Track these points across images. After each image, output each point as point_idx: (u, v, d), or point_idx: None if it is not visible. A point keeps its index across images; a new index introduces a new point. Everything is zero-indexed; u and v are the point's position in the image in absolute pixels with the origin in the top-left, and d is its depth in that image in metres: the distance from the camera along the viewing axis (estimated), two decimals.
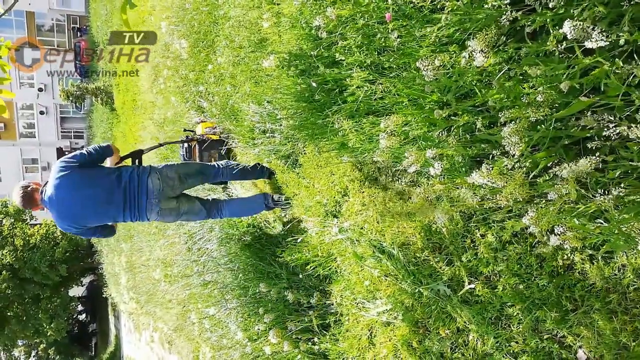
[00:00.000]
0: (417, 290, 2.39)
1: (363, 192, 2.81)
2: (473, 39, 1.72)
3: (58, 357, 25.66)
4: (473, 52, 1.72)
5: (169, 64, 6.45)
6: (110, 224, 3.39)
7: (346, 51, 2.42)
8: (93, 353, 29.76)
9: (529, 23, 1.62)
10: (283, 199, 3.62)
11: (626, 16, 1.37)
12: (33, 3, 25.51)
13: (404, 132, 2.11)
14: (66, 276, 19.42)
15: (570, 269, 1.80)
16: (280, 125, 3.31)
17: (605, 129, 1.47)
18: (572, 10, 1.48)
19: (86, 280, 25.62)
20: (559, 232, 1.65)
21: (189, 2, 5.70)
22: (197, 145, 4.25)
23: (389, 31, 2.13)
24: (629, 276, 1.61)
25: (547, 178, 1.67)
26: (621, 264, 1.64)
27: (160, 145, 4.08)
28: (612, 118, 1.47)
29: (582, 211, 1.57)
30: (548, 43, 1.55)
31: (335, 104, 2.57)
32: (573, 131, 1.58)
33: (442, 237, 2.30)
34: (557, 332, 1.85)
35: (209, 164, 3.74)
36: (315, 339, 3.14)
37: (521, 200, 1.75)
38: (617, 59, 1.39)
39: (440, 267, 2.30)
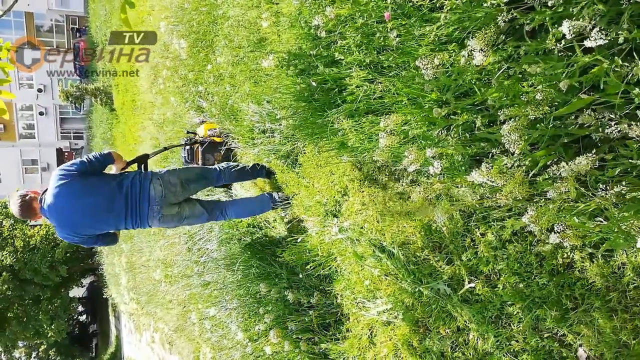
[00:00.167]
0: (417, 289, 2.39)
1: (363, 191, 2.80)
2: (472, 37, 1.72)
3: (59, 358, 25.66)
4: (472, 51, 1.72)
5: (168, 64, 6.45)
6: (112, 231, 3.32)
7: (345, 50, 2.42)
8: (94, 354, 29.77)
9: (528, 21, 1.62)
10: (284, 197, 3.61)
11: (625, 14, 1.37)
12: (32, 3, 25.50)
13: (404, 131, 2.11)
14: (66, 277, 19.41)
15: (570, 267, 1.80)
16: (280, 124, 3.31)
17: (607, 127, 1.47)
18: (571, 9, 1.48)
19: (86, 281, 25.63)
20: (559, 231, 1.65)
21: (188, 2, 5.70)
22: (199, 148, 4.21)
23: (388, 30, 2.13)
24: (629, 274, 1.61)
25: (547, 176, 1.66)
26: (621, 262, 1.64)
27: (165, 149, 4.03)
28: (613, 116, 1.47)
29: (581, 209, 1.57)
30: (547, 41, 1.55)
31: (335, 104, 2.56)
32: (572, 129, 1.58)
33: (442, 236, 2.30)
34: (558, 330, 1.85)
35: (210, 167, 3.69)
36: (316, 339, 3.14)
37: (521, 198, 1.75)
38: (616, 57, 1.39)
39: (441, 266, 2.30)
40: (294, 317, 3.29)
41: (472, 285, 2.13)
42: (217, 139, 4.22)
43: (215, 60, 4.60)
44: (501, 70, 1.71)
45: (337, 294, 3.04)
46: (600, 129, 1.51)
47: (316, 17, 2.46)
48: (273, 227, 3.83)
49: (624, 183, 1.46)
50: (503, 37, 1.71)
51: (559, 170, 1.59)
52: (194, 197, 3.52)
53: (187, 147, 4.24)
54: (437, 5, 1.96)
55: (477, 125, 1.83)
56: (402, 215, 2.51)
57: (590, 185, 1.57)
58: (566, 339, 1.82)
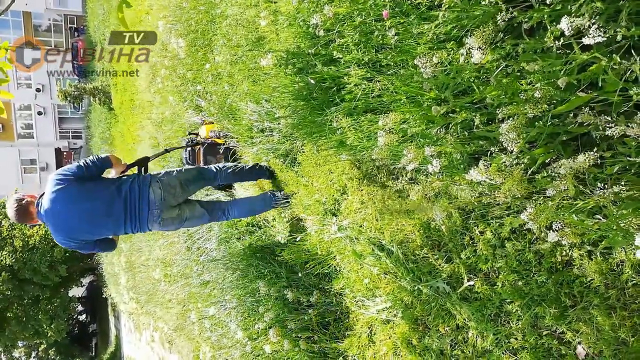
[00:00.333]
0: (416, 287, 2.40)
1: (362, 190, 2.80)
2: (470, 35, 1.72)
3: (58, 357, 25.64)
4: (470, 49, 1.72)
5: (167, 63, 6.44)
6: (110, 237, 3.27)
7: (344, 49, 2.42)
8: (93, 353, 29.78)
9: (526, 19, 1.62)
10: (285, 196, 3.60)
11: (624, 11, 1.37)
12: (30, 3, 25.45)
13: (402, 129, 2.11)
14: (66, 277, 19.40)
15: (569, 265, 1.81)
16: (279, 123, 3.31)
17: (607, 129, 1.47)
18: (569, 6, 1.48)
19: (86, 280, 25.62)
20: (558, 229, 1.66)
21: (186, 1, 5.69)
22: (201, 149, 4.15)
23: (387, 29, 2.13)
24: (628, 272, 1.61)
25: (546, 174, 1.67)
26: (620, 259, 1.64)
27: (167, 151, 3.99)
28: (610, 118, 1.47)
29: (580, 207, 1.57)
30: (545, 39, 1.55)
31: (333, 102, 2.56)
32: (571, 127, 1.58)
33: (441, 235, 2.30)
34: (556, 328, 1.85)
35: (207, 167, 3.65)
36: (315, 338, 3.14)
37: (519, 196, 1.75)
38: (614, 55, 1.39)
39: (440, 265, 2.30)
40: (293, 316, 3.30)
41: (471, 283, 2.13)
42: (219, 140, 4.19)
43: (214, 59, 4.60)
44: (499, 69, 1.71)
45: (337, 293, 3.04)
46: (599, 128, 1.51)
47: (314, 15, 2.46)
48: (272, 226, 3.83)
49: (623, 183, 1.46)
50: (501, 35, 1.71)
51: (557, 168, 1.59)
52: (193, 198, 3.47)
53: (189, 148, 4.19)
54: (436, 3, 1.96)
55: (475, 124, 1.83)
56: (401, 213, 2.51)
57: (588, 183, 1.57)
58: (565, 337, 1.82)
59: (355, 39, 2.33)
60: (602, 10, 1.40)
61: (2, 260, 16.75)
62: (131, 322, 12.38)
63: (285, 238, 3.58)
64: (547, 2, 1.54)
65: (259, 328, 3.67)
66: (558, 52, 1.54)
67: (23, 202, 2.92)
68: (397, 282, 2.52)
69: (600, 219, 1.56)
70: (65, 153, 28.61)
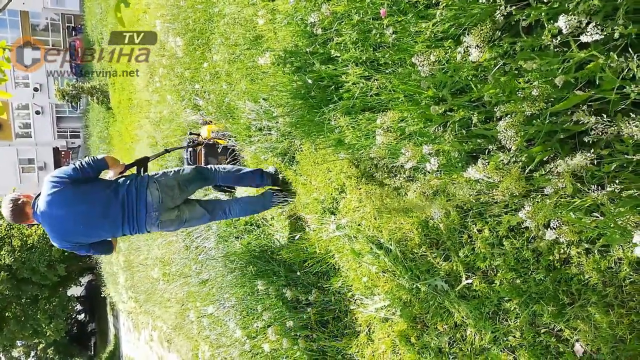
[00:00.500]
0: (414, 286, 2.40)
1: (360, 188, 2.81)
2: (468, 34, 1.72)
3: (57, 357, 25.63)
4: (468, 47, 1.72)
5: (165, 62, 6.43)
6: (109, 240, 3.24)
7: (342, 48, 2.42)
8: (92, 352, 29.78)
9: (523, 17, 1.62)
10: (283, 195, 3.59)
11: (621, 9, 1.37)
12: (27, 2, 25.40)
13: (400, 128, 2.11)
14: (65, 276, 19.39)
15: (567, 263, 1.81)
16: (277, 122, 3.31)
17: (604, 129, 1.47)
18: (567, 4, 1.48)
19: (85, 279, 25.61)
20: (555, 226, 1.66)
21: (184, 0, 5.68)
22: (202, 150, 4.10)
23: (384, 27, 2.13)
24: (625, 269, 1.62)
25: (543, 172, 1.67)
26: (617, 257, 1.65)
27: (167, 151, 3.94)
28: (608, 120, 1.47)
29: (578, 205, 1.57)
30: (543, 37, 1.55)
31: (331, 101, 2.56)
32: (568, 125, 1.58)
33: (439, 233, 2.30)
34: (554, 325, 1.86)
35: (207, 166, 3.58)
36: (314, 336, 3.15)
37: (517, 194, 1.76)
38: (611, 53, 1.39)
39: (438, 263, 2.31)
40: (292, 315, 3.30)
41: (469, 281, 2.14)
42: (221, 141, 4.16)
43: (212, 58, 4.59)
44: (497, 67, 1.71)
45: (335, 291, 3.04)
46: (596, 126, 1.51)
47: (312, 14, 2.46)
48: (271, 224, 3.83)
49: (617, 180, 1.47)
50: (499, 34, 1.71)
51: (555, 166, 1.59)
52: (193, 197, 3.43)
53: (190, 149, 4.16)
54: (433, 1, 1.96)
55: (473, 122, 1.84)
56: (399, 212, 2.51)
57: (586, 181, 1.57)
58: (563, 334, 1.83)
59: (353, 38, 2.33)
60: (600, 8, 1.41)
61: (0, 260, 16.73)
62: (130, 321, 12.38)
63: (283, 237, 3.58)
64: (545, 0, 1.54)
65: (257, 327, 3.67)
66: (555, 50, 1.54)
67: (19, 202, 2.88)
68: (395, 280, 2.52)
69: (598, 217, 1.56)
70: (63, 152, 28.57)
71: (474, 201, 2.00)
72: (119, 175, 3.16)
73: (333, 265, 3.06)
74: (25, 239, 17.29)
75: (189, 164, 4.10)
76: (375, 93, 2.27)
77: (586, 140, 1.54)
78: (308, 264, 3.21)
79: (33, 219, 2.89)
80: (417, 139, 2.07)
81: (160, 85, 6.74)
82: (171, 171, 3.22)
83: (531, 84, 1.58)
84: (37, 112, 27.53)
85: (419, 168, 2.25)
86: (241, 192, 4.32)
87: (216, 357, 4.65)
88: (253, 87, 3.60)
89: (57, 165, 26.35)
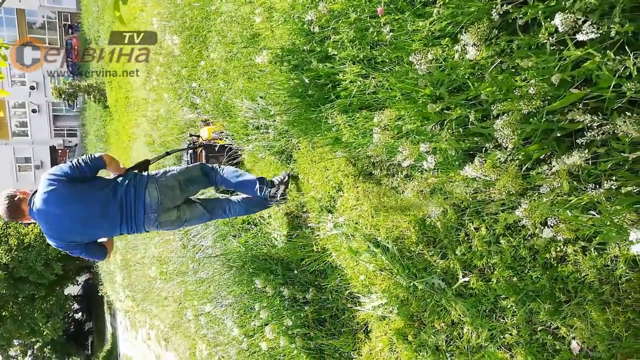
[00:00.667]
0: (412, 284, 2.40)
1: (357, 187, 2.81)
2: (465, 32, 1.72)
3: (54, 356, 25.61)
4: (465, 46, 1.72)
5: (161, 61, 6.42)
6: (104, 245, 3.19)
7: (339, 46, 2.41)
8: (90, 351, 29.76)
9: (520, 15, 1.62)
10: (281, 194, 3.56)
11: (617, 7, 1.37)
12: (24, 0, 25.27)
13: (398, 126, 2.11)
14: (61, 275, 19.35)
15: (563, 260, 1.81)
16: (274, 120, 3.30)
17: (601, 127, 1.47)
18: (563, 2, 1.48)
19: (82, 278, 25.58)
20: (552, 224, 1.66)
21: None
22: (203, 151, 4.06)
23: (382, 25, 2.13)
24: (622, 267, 1.62)
25: (540, 170, 1.67)
26: (613, 255, 1.65)
27: (168, 153, 3.89)
28: (605, 118, 1.47)
29: (574, 203, 1.57)
30: (540, 35, 1.55)
31: (329, 99, 2.56)
32: (564, 124, 1.58)
33: (436, 231, 2.30)
34: (551, 323, 1.86)
35: (208, 164, 3.49)
36: (312, 334, 3.15)
37: (514, 192, 1.76)
38: (608, 51, 1.40)
39: (435, 261, 2.31)
40: (289, 313, 3.30)
41: (466, 279, 2.14)
42: (221, 142, 4.13)
43: (209, 56, 4.58)
44: (494, 65, 1.71)
45: (333, 290, 3.04)
46: (592, 124, 1.52)
47: (309, 12, 2.45)
48: (268, 223, 3.83)
49: (614, 178, 1.47)
50: (496, 32, 1.71)
51: (552, 165, 1.59)
52: (192, 197, 3.37)
53: (190, 150, 4.12)
54: (430, 0, 1.96)
55: (470, 120, 1.84)
56: (396, 210, 2.51)
57: (583, 179, 1.58)
58: (559, 332, 1.83)
59: (350, 36, 2.33)
60: (596, 6, 1.41)
61: None
62: (127, 320, 12.37)
63: (281, 235, 3.58)
64: None
65: (255, 325, 3.67)
66: (552, 48, 1.54)
67: (15, 198, 2.83)
68: (392, 278, 2.52)
69: (595, 215, 1.56)
70: (60, 151, 28.47)
71: (471, 199, 2.01)
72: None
73: (330, 263, 3.06)
74: (22, 237, 17.25)
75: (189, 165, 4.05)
76: (373, 91, 2.27)
77: (582, 139, 1.55)
78: (305, 262, 3.21)
79: (29, 216, 2.85)
80: (414, 137, 2.07)
81: (157, 84, 6.73)
82: (173, 170, 3.15)
83: (528, 82, 1.58)
84: (34, 111, 27.43)
85: (416, 166, 2.25)
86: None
87: (213, 355, 4.65)
88: (250, 86, 3.59)
89: (54, 163, 26.22)
